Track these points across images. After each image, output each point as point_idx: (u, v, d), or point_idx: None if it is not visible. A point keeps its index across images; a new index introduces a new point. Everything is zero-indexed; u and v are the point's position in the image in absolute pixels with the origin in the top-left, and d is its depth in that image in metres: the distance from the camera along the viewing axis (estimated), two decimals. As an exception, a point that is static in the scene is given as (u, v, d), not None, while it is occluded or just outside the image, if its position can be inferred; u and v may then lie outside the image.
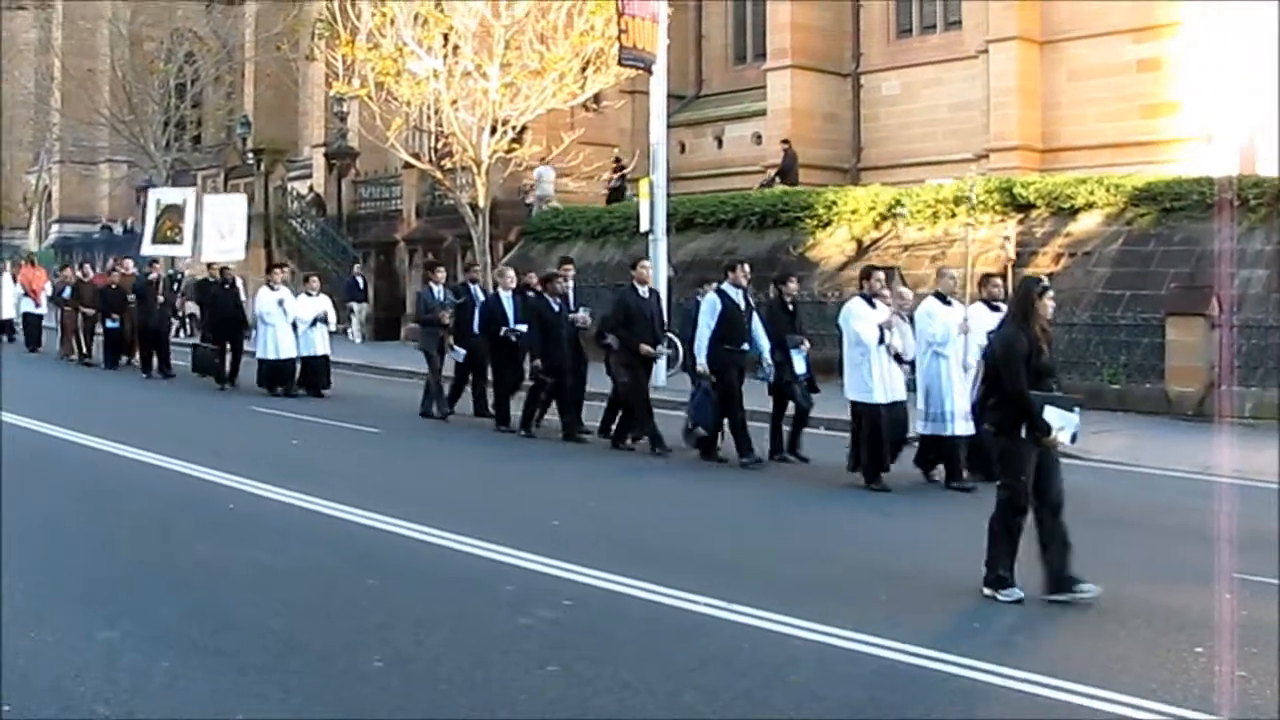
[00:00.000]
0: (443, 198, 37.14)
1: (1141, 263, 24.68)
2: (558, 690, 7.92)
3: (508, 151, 29.86)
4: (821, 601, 9.89)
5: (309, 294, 25.68)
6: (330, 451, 18.86)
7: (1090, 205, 25.98)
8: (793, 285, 18.12)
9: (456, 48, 29.34)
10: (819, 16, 40.57)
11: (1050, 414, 9.95)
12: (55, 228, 68.95)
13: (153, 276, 29.55)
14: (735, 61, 45.59)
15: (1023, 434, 10.02)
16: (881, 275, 16.12)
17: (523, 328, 20.13)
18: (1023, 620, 9.71)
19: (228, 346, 26.86)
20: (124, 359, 30.85)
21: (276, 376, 25.00)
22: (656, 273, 23.98)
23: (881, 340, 15.20)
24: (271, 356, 24.96)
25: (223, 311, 27.03)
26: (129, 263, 32.94)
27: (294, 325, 24.95)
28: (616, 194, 37.67)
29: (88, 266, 36.70)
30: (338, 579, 10.67)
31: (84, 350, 32.58)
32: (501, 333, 20.37)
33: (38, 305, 37.74)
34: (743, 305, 17.29)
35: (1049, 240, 25.97)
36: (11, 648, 8.45)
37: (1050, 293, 10.42)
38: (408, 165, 35.47)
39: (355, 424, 21.02)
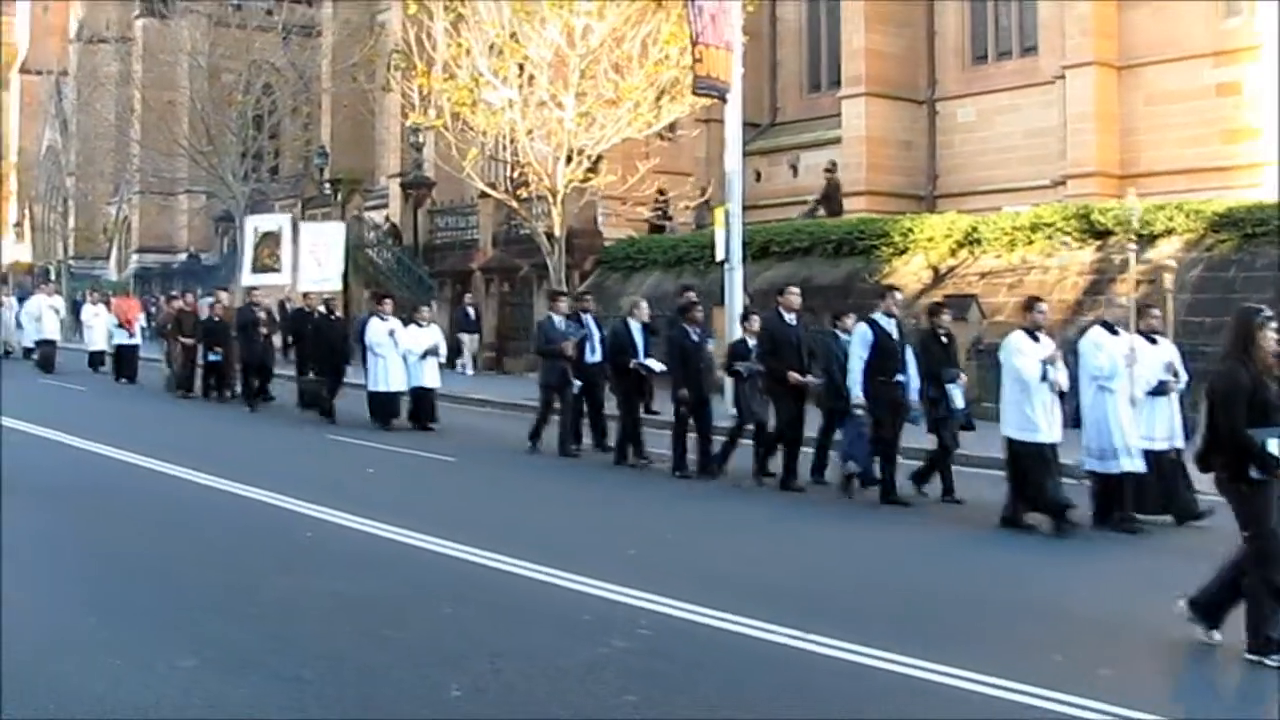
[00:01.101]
0: (518, 227, 37.20)
1: (1223, 289, 24.39)
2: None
3: (583, 181, 29.84)
4: (901, 634, 9.82)
5: (420, 324, 25.00)
6: (407, 480, 18.94)
7: (1170, 231, 25.72)
8: (946, 316, 17.27)
9: (532, 78, 29.38)
10: (893, 43, 40.51)
11: (1277, 446, 9.18)
12: (135, 258, 69.72)
13: (260, 314, 29.12)
14: (810, 89, 45.55)
15: (1255, 476, 9.27)
16: (1044, 307, 15.39)
17: (653, 363, 19.83)
18: (1103, 650, 9.60)
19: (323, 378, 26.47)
20: (228, 392, 30.12)
21: (387, 409, 24.37)
22: (732, 301, 23.91)
23: (1044, 377, 14.41)
24: (383, 389, 24.37)
25: (329, 344, 26.38)
26: (224, 294, 32.38)
27: (403, 357, 24.36)
28: (658, 229, 37.73)
29: (189, 296, 35.79)
30: (415, 608, 10.69)
31: (184, 382, 31.46)
32: (631, 365, 19.92)
33: (131, 336, 36.51)
34: (896, 335, 16.56)
35: (1127, 267, 25.73)
36: (92, 673, 8.58)
37: (1274, 323, 9.64)
38: (483, 195, 35.56)
39: (432, 453, 21.08)
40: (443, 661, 8.99)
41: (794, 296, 18.27)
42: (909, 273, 29.15)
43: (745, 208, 26.76)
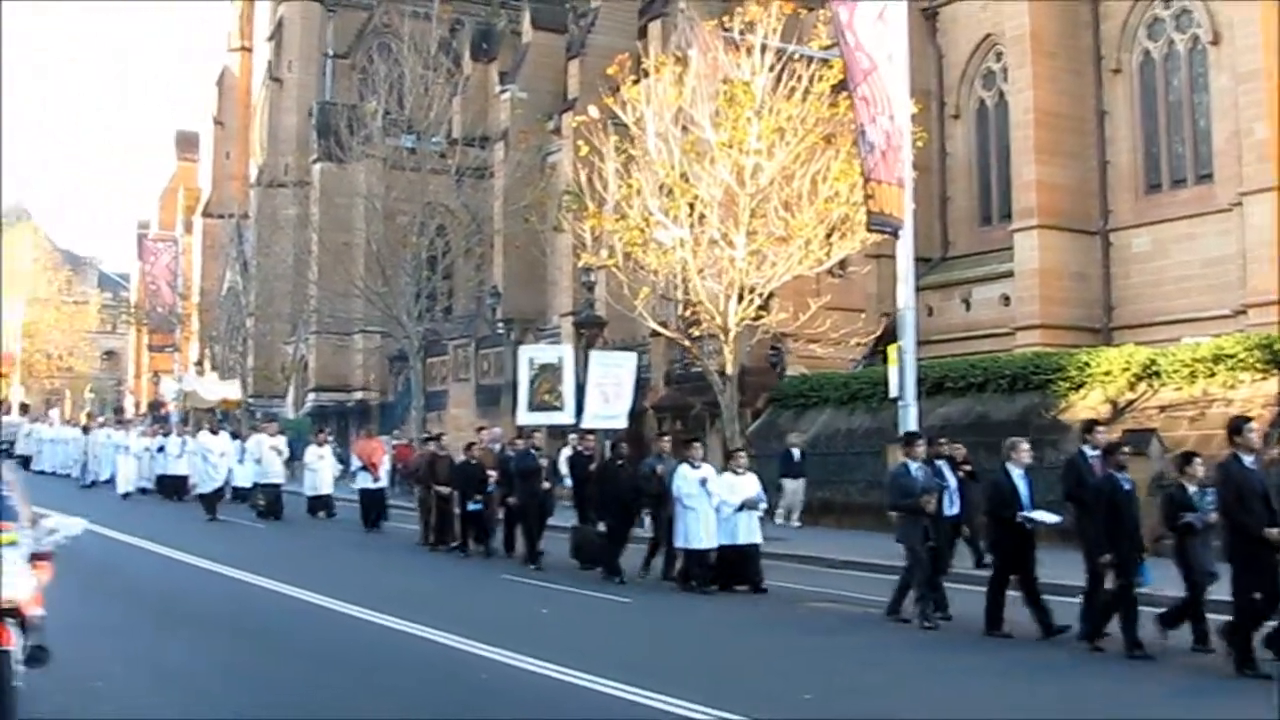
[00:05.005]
0: (690, 365, 37.33)
1: None
2: None
3: (755, 319, 29.86)
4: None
5: (735, 472, 22.09)
6: (581, 620, 18.93)
7: (1362, 361, 25.14)
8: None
9: (703, 217, 29.52)
10: (1064, 174, 40.26)
11: None
12: (311, 396, 70.91)
13: (543, 460, 26.52)
14: (981, 223, 45.42)
15: None
16: None
17: (1045, 515, 17.24)
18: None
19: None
20: (491, 544, 27.34)
21: (700, 571, 21.52)
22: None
23: None
24: (694, 546, 21.52)
25: (617, 492, 23.79)
26: (485, 433, 30.70)
27: (716, 509, 21.51)
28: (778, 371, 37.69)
29: (444, 438, 34.14)
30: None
31: (438, 534, 28.73)
32: (1017, 518, 17.04)
33: (376, 480, 34.24)
34: None
35: (1316, 400, 25.14)
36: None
37: None
38: (655, 334, 35.77)
39: (605, 594, 20.98)
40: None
41: (1253, 435, 15.36)
42: (1086, 407, 28.70)
43: (918, 343, 26.56)
